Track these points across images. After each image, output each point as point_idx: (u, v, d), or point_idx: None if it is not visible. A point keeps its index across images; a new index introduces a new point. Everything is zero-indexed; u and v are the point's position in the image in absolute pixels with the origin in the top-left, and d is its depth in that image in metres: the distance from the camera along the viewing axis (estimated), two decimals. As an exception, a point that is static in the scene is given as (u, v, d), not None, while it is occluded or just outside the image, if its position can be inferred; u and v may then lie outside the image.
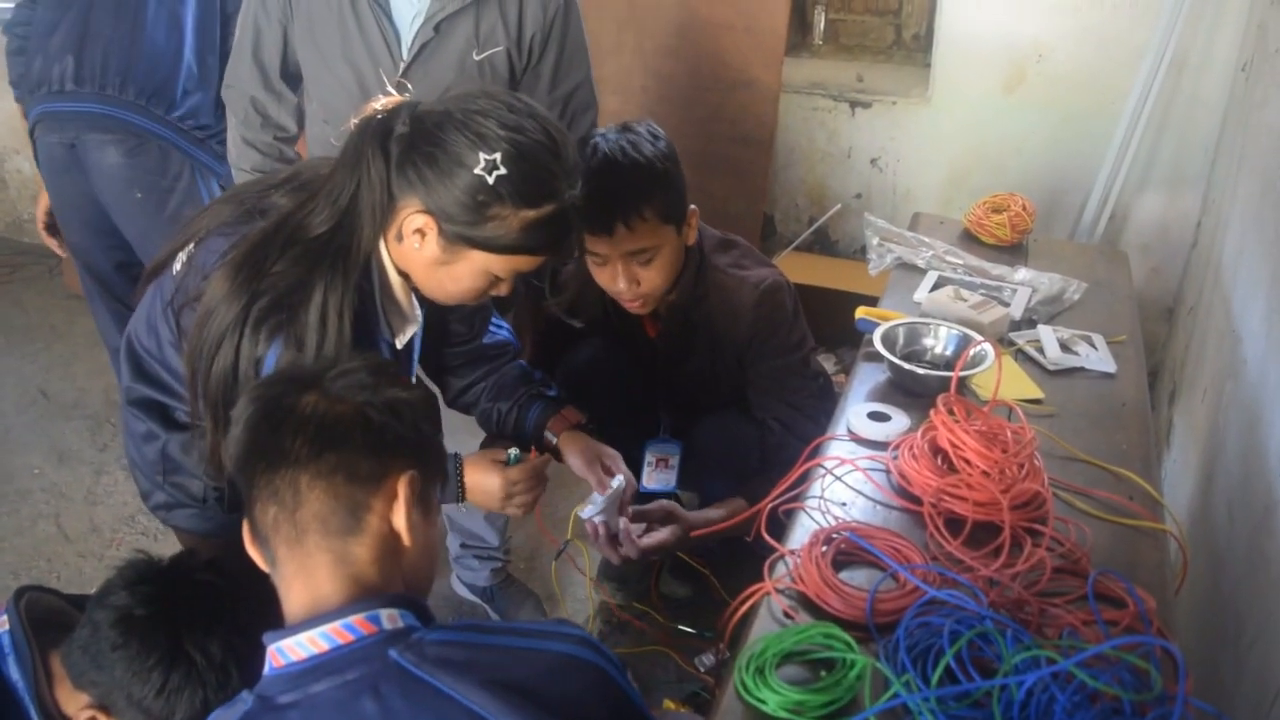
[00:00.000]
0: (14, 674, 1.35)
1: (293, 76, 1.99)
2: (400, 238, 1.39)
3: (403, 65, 1.86)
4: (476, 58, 1.87)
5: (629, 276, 1.82)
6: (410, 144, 1.34)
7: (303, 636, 1.02)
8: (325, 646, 1.01)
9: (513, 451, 1.72)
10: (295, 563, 1.07)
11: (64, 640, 1.37)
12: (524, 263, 1.42)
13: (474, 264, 1.40)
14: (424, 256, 1.39)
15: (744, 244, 2.05)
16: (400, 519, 1.09)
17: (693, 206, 1.88)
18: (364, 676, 0.99)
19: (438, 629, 1.05)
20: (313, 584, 1.06)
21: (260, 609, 1.36)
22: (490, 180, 1.31)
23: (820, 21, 3.61)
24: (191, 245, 1.47)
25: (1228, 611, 1.66)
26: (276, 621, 1.08)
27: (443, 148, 1.33)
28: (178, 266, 1.48)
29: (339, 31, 1.85)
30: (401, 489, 1.08)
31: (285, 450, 1.05)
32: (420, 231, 1.37)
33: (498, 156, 1.31)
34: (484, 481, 1.69)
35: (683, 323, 2.00)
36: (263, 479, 1.07)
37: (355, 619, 1.02)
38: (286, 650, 1.03)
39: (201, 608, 1.34)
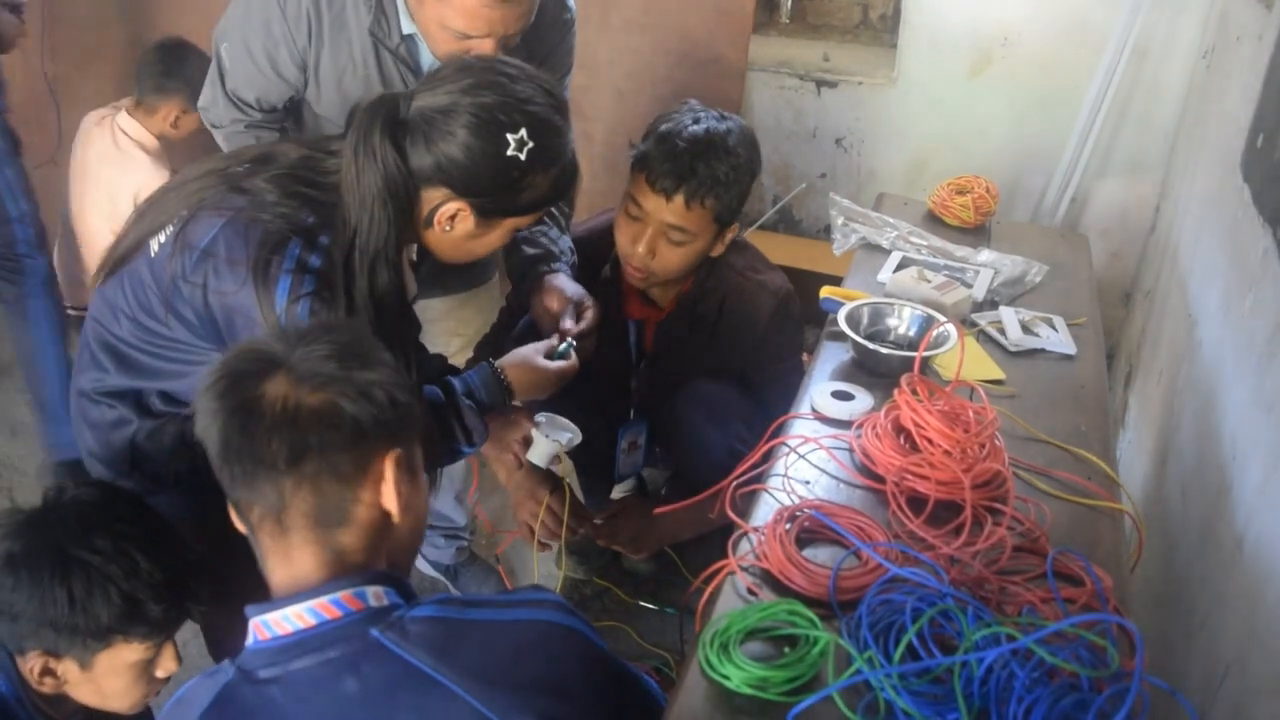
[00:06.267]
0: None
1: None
2: (429, 224, 1.45)
3: None
4: None
5: (650, 247, 1.83)
6: (427, 139, 1.38)
7: (289, 611, 1.02)
8: (312, 621, 1.01)
9: (565, 344, 1.72)
10: (280, 552, 1.07)
11: None
12: (546, 208, 1.54)
13: (505, 227, 1.50)
14: (455, 235, 1.47)
15: (751, 245, 2.08)
16: (390, 500, 1.08)
17: (736, 224, 1.90)
18: (345, 655, 1.00)
19: (418, 606, 1.04)
20: (294, 568, 1.06)
21: (138, 502, 1.39)
22: (523, 157, 1.39)
23: (788, 0, 3.61)
24: (171, 226, 1.43)
25: (1180, 590, 1.69)
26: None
27: (466, 141, 1.37)
28: (155, 249, 1.45)
29: (365, 86, 1.81)
30: (388, 470, 1.07)
31: (262, 454, 1.02)
32: (453, 217, 1.43)
33: (524, 133, 1.38)
34: (534, 376, 1.68)
35: (689, 315, 2.00)
36: (244, 479, 1.04)
37: (343, 595, 1.03)
38: (272, 624, 1.03)
39: (74, 516, 1.33)
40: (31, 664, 1.33)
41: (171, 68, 2.87)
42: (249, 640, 1.05)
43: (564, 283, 1.84)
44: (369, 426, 1.05)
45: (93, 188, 2.94)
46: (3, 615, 1.31)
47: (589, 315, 1.79)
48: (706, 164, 1.75)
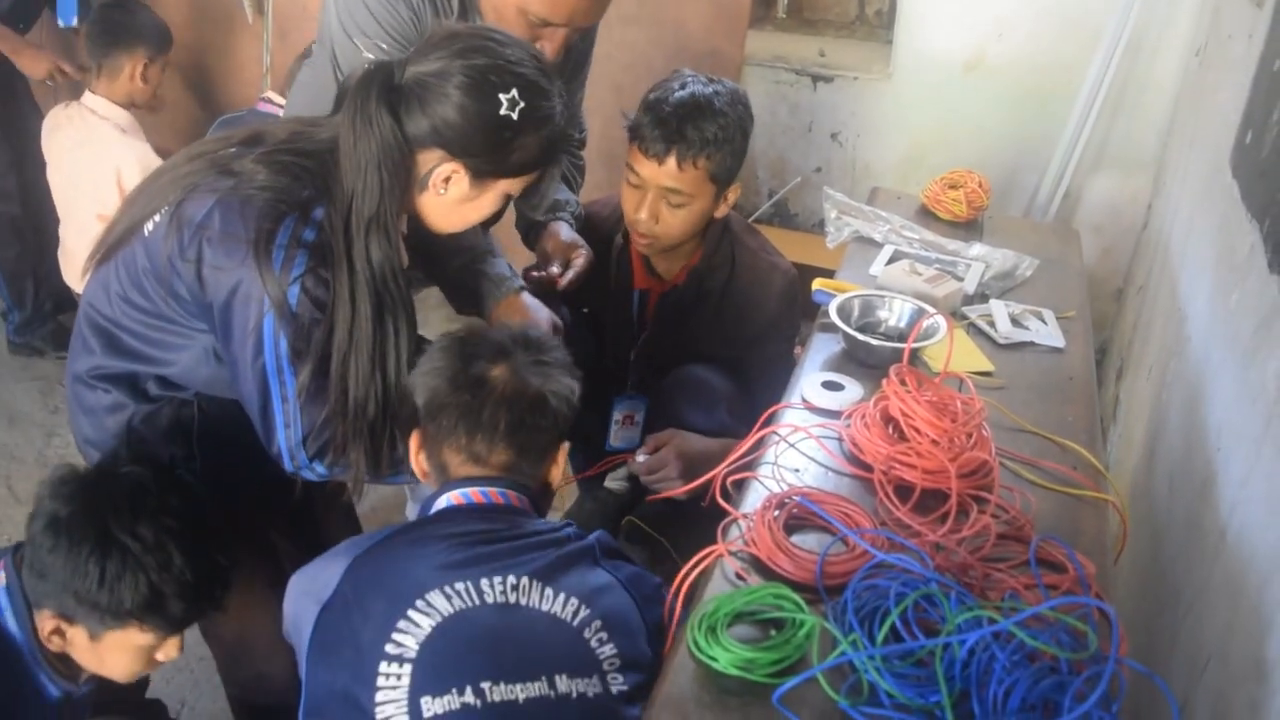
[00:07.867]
0: (11, 626, 1.38)
1: None
2: (423, 187, 1.49)
3: None
4: None
5: (653, 211, 1.86)
6: (422, 103, 1.42)
7: (488, 489, 1.33)
8: (500, 500, 1.33)
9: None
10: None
11: None
12: (536, 174, 1.58)
13: (498, 191, 1.54)
14: (449, 199, 1.51)
15: (761, 233, 2.12)
16: (556, 477, 1.42)
17: (737, 184, 1.93)
18: (508, 523, 1.30)
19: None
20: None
21: (188, 495, 1.42)
22: (515, 116, 1.43)
23: (784, -5, 3.62)
24: (165, 208, 1.44)
25: (1166, 580, 1.70)
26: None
27: (461, 102, 1.42)
28: (150, 229, 1.46)
29: None
30: (560, 456, 1.42)
31: (484, 421, 1.33)
32: (448, 179, 1.48)
33: (515, 93, 1.42)
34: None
35: (697, 287, 2.02)
36: (460, 432, 1.34)
37: (513, 493, 1.34)
38: (469, 493, 1.33)
39: (125, 496, 1.35)
40: (45, 622, 1.36)
41: (121, 21, 2.84)
42: (441, 506, 1.34)
43: (562, 230, 1.94)
44: (562, 421, 1.38)
45: (68, 178, 2.89)
46: (33, 571, 1.35)
47: (579, 262, 1.88)
48: (695, 126, 1.80)
